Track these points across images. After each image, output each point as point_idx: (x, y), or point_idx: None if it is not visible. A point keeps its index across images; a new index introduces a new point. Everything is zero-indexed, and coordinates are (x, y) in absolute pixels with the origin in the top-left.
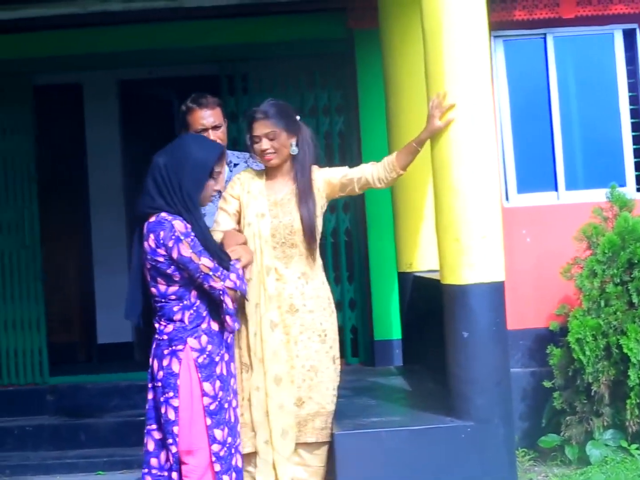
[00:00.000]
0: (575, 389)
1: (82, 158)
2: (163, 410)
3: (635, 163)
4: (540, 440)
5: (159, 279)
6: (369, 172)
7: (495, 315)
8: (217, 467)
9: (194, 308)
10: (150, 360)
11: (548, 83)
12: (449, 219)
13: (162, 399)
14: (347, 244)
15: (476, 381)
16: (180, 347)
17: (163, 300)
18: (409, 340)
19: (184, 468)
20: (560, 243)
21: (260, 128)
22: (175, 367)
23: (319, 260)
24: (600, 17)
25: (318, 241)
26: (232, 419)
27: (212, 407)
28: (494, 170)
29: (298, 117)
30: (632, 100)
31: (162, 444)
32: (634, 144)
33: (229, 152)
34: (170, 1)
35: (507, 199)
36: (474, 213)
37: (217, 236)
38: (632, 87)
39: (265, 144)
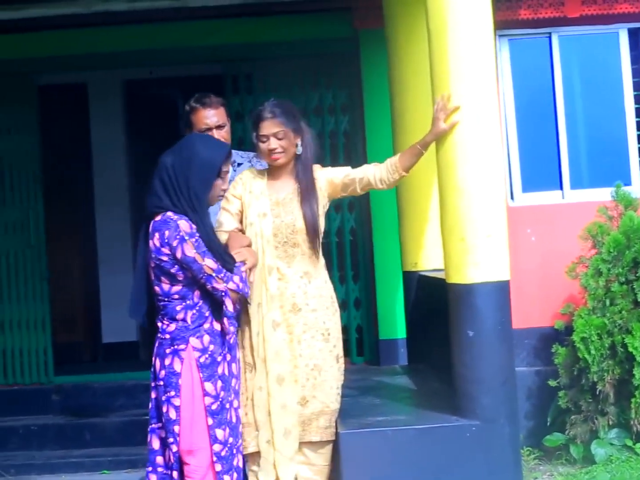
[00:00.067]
0: (580, 388)
1: (87, 158)
2: (164, 409)
3: None
4: (545, 439)
5: (162, 278)
6: (372, 173)
7: (501, 315)
8: (218, 467)
9: (197, 308)
10: (153, 359)
11: (553, 82)
12: (454, 218)
13: (163, 398)
14: (352, 243)
15: (482, 380)
16: (182, 346)
17: (166, 299)
18: (414, 339)
19: (185, 468)
20: (566, 242)
21: (269, 127)
22: (177, 367)
23: (321, 260)
24: (605, 16)
25: (320, 240)
26: (234, 419)
27: (213, 407)
28: (499, 169)
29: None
30: (637, 99)
31: (166, 443)
32: (639, 142)
33: (232, 151)
34: (174, 1)
35: (512, 198)
36: (479, 212)
37: (222, 237)
38: (637, 86)
39: (273, 143)
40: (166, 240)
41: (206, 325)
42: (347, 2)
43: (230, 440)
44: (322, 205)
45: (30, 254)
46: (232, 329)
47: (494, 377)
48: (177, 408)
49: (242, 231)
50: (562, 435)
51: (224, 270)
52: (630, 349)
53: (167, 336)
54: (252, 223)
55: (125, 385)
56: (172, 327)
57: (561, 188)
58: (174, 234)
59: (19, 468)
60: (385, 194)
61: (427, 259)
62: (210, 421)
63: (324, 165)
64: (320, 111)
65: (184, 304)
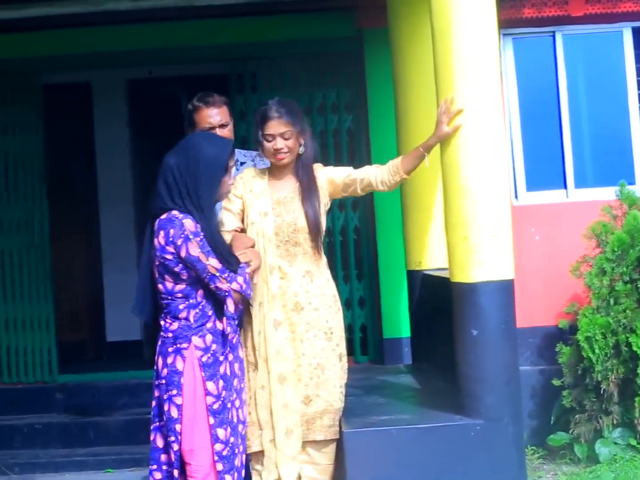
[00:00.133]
0: (584, 387)
1: (91, 156)
2: (166, 408)
3: None
4: (549, 439)
5: (166, 276)
6: (373, 174)
7: (505, 314)
8: (220, 467)
9: (200, 307)
10: (155, 357)
11: (557, 81)
12: (458, 217)
13: (165, 397)
14: (356, 242)
15: (485, 379)
16: (184, 345)
17: (169, 298)
18: (418, 338)
19: (188, 468)
20: (570, 241)
21: (276, 127)
22: (179, 365)
23: (323, 258)
24: (609, 15)
25: (322, 239)
26: (235, 419)
27: (215, 406)
28: (503, 168)
29: None
30: None
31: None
32: None
33: (235, 150)
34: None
35: (516, 197)
36: (483, 211)
37: (226, 237)
38: None
39: (279, 143)
40: (171, 239)
41: (209, 325)
42: (351, 1)
43: (232, 439)
44: (324, 204)
45: (34, 252)
46: (229, 329)
47: (498, 376)
48: (179, 407)
49: (243, 230)
50: (566, 435)
51: (228, 271)
52: (634, 348)
53: (170, 335)
54: (253, 222)
55: (129, 384)
56: (175, 325)
57: (565, 187)
58: (179, 232)
59: (23, 467)
60: (389, 192)
61: (431, 258)
62: (211, 420)
63: (327, 164)
64: (324, 110)
65: (187, 302)
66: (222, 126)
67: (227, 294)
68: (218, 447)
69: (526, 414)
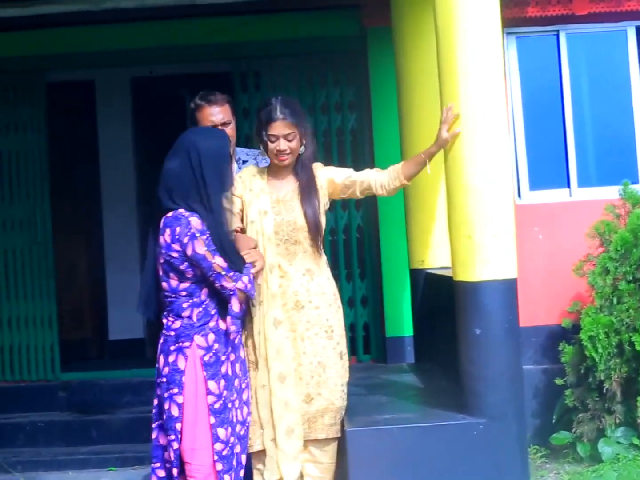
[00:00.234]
0: (587, 387)
1: (94, 155)
2: (166, 407)
3: None
4: (552, 438)
5: (171, 274)
6: (373, 178)
7: (508, 312)
8: (219, 467)
9: (203, 306)
10: (157, 355)
11: (561, 80)
12: (461, 216)
13: (166, 395)
14: (359, 241)
15: (488, 378)
16: (186, 343)
17: (173, 296)
18: (421, 337)
19: (187, 468)
20: (573, 240)
21: (280, 128)
22: (181, 364)
23: (323, 257)
24: (613, 14)
25: (322, 237)
26: (235, 419)
27: (216, 405)
28: (506, 167)
29: None
30: None
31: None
32: None
33: (238, 149)
34: None
35: (519, 196)
36: (487, 210)
37: None
38: None
39: (283, 144)
40: (177, 237)
41: (211, 324)
42: None
43: (232, 439)
44: (323, 203)
45: (37, 251)
46: (233, 328)
47: (501, 375)
48: (179, 405)
49: (243, 230)
50: (569, 434)
51: (234, 270)
52: (637, 348)
53: (172, 333)
54: (253, 221)
55: (131, 382)
56: (178, 324)
57: (568, 186)
58: (185, 230)
59: (25, 465)
60: None
61: (434, 256)
62: (212, 420)
63: (330, 163)
64: (328, 109)
65: (190, 301)
66: (224, 124)
67: (232, 293)
68: (218, 446)
69: (529, 413)
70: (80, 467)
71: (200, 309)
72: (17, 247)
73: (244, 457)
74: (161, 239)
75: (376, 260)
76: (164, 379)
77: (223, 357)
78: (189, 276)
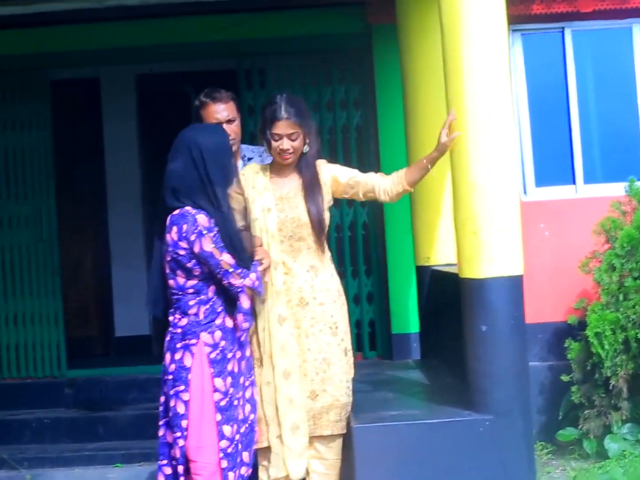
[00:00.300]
0: (593, 383)
1: (99, 152)
2: (172, 404)
3: None
4: (559, 434)
5: (178, 272)
6: (377, 182)
7: (514, 309)
8: (224, 464)
9: (210, 303)
10: (163, 353)
11: (566, 77)
12: (467, 212)
13: (172, 392)
14: (364, 237)
15: (494, 375)
16: (193, 341)
17: (180, 293)
18: (426, 333)
19: (192, 465)
20: (579, 237)
21: (284, 128)
22: (187, 361)
23: (327, 253)
24: (618, 11)
25: (326, 234)
26: (240, 417)
27: (222, 403)
28: (512, 164)
29: None
30: None
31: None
32: None
33: (243, 146)
34: None
35: (525, 192)
36: (492, 206)
37: None
38: None
39: (286, 143)
40: (184, 235)
41: (218, 321)
42: None
43: (237, 437)
44: (327, 200)
45: (43, 248)
46: (246, 324)
47: (507, 371)
48: (185, 403)
49: (246, 227)
50: (575, 430)
51: (241, 267)
52: None
53: (179, 330)
54: (256, 219)
55: (137, 379)
56: (184, 321)
57: (574, 183)
58: (192, 228)
59: (32, 461)
60: None
61: (439, 253)
62: (218, 417)
63: (336, 160)
64: (333, 106)
65: (197, 298)
66: (229, 122)
67: (240, 289)
68: (223, 444)
69: (535, 410)
70: (86, 463)
71: (207, 306)
72: (23, 245)
73: (245, 455)
74: (168, 236)
75: (382, 257)
76: (170, 376)
77: (229, 355)
78: (197, 274)
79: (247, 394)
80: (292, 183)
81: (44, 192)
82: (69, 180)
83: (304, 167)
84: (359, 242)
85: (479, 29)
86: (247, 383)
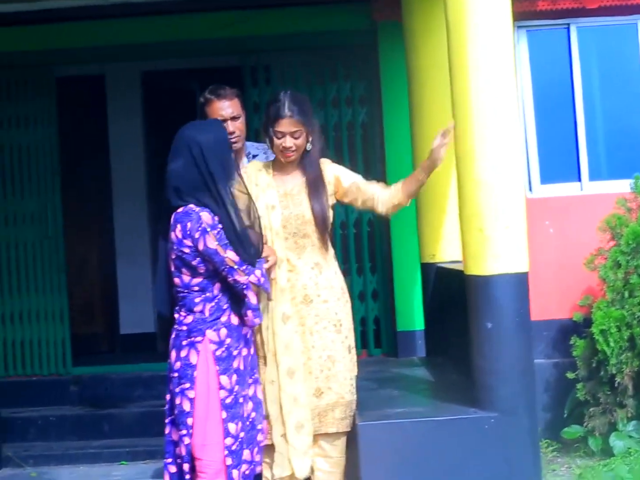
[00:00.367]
0: (598, 380)
1: (105, 149)
2: (178, 401)
3: None
4: (564, 432)
5: (183, 270)
6: (377, 193)
7: (519, 306)
8: (229, 461)
9: (216, 300)
10: (169, 351)
11: (571, 73)
12: (472, 209)
13: (177, 390)
14: (369, 234)
15: (500, 372)
16: (199, 338)
17: (185, 291)
18: (432, 331)
19: (198, 463)
20: (584, 234)
21: (287, 126)
22: (193, 359)
23: (331, 251)
24: (624, 7)
25: (330, 231)
26: (245, 414)
27: (228, 400)
28: (517, 160)
29: None
30: None
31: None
32: None
33: (248, 143)
34: None
35: (530, 189)
36: (498, 203)
37: None
38: None
39: (289, 141)
40: (188, 232)
41: (223, 319)
42: None
43: (242, 434)
44: (330, 199)
45: (48, 245)
46: (257, 320)
47: (513, 368)
48: (191, 400)
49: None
50: (581, 428)
51: (246, 264)
52: None
53: (184, 328)
54: (260, 216)
55: (142, 376)
56: (190, 318)
57: (579, 180)
58: (196, 225)
59: (37, 459)
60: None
61: (445, 250)
62: (224, 414)
63: (341, 156)
64: (338, 103)
65: (203, 296)
66: (233, 119)
67: (245, 286)
68: (228, 441)
69: (540, 407)
70: (91, 461)
71: (213, 303)
72: (29, 242)
73: (246, 453)
74: (172, 235)
75: (387, 254)
76: (176, 374)
77: (235, 352)
78: (202, 271)
79: (250, 392)
80: (296, 180)
81: (49, 189)
82: (75, 177)
83: (307, 165)
84: (364, 239)
85: (485, 25)
86: (250, 381)
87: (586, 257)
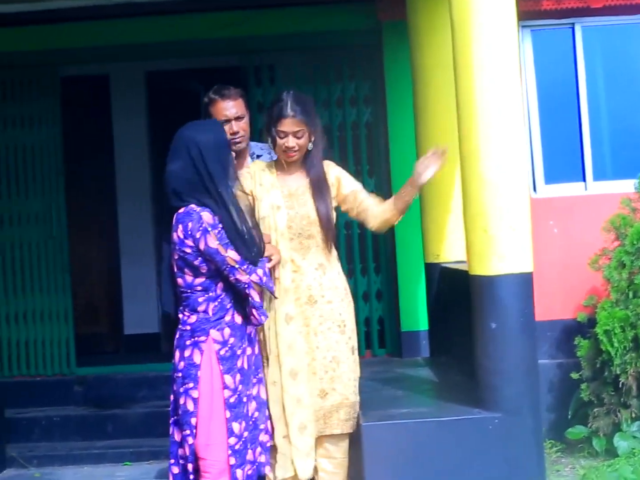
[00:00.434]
0: (602, 381)
1: (109, 149)
2: (182, 401)
3: None
4: (568, 432)
5: (186, 270)
6: (371, 206)
7: (524, 306)
8: (232, 461)
9: (219, 300)
10: (173, 350)
11: (576, 73)
12: (476, 209)
13: (181, 390)
14: (373, 235)
15: (504, 372)
16: (202, 338)
17: (189, 291)
18: (436, 331)
19: (201, 463)
20: (588, 234)
21: (289, 125)
22: (196, 358)
23: (334, 252)
24: (628, 7)
25: (334, 232)
26: (249, 413)
27: (231, 400)
28: (522, 160)
29: None
30: None
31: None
32: None
33: (252, 143)
34: None
35: (534, 189)
36: (502, 204)
37: None
38: None
39: (291, 141)
40: (189, 232)
41: (227, 318)
42: None
43: (245, 434)
44: (333, 200)
45: (52, 245)
46: (263, 318)
47: (517, 368)
48: (195, 400)
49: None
50: (585, 428)
51: (247, 263)
52: None
53: (188, 327)
54: (264, 217)
55: (147, 376)
56: (193, 318)
57: (584, 180)
58: (197, 225)
59: (41, 459)
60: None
61: (449, 250)
62: (228, 414)
63: (345, 157)
64: (343, 103)
65: (206, 295)
66: (237, 119)
67: (247, 286)
68: (232, 441)
69: (544, 408)
70: (95, 461)
71: (216, 303)
72: (33, 241)
73: (249, 452)
74: (174, 235)
75: (391, 254)
76: (180, 374)
77: (239, 352)
78: (204, 271)
79: (254, 391)
80: (299, 180)
81: (53, 189)
82: (78, 177)
83: (310, 165)
84: (369, 239)
85: (489, 25)
86: (254, 380)
87: (590, 257)
